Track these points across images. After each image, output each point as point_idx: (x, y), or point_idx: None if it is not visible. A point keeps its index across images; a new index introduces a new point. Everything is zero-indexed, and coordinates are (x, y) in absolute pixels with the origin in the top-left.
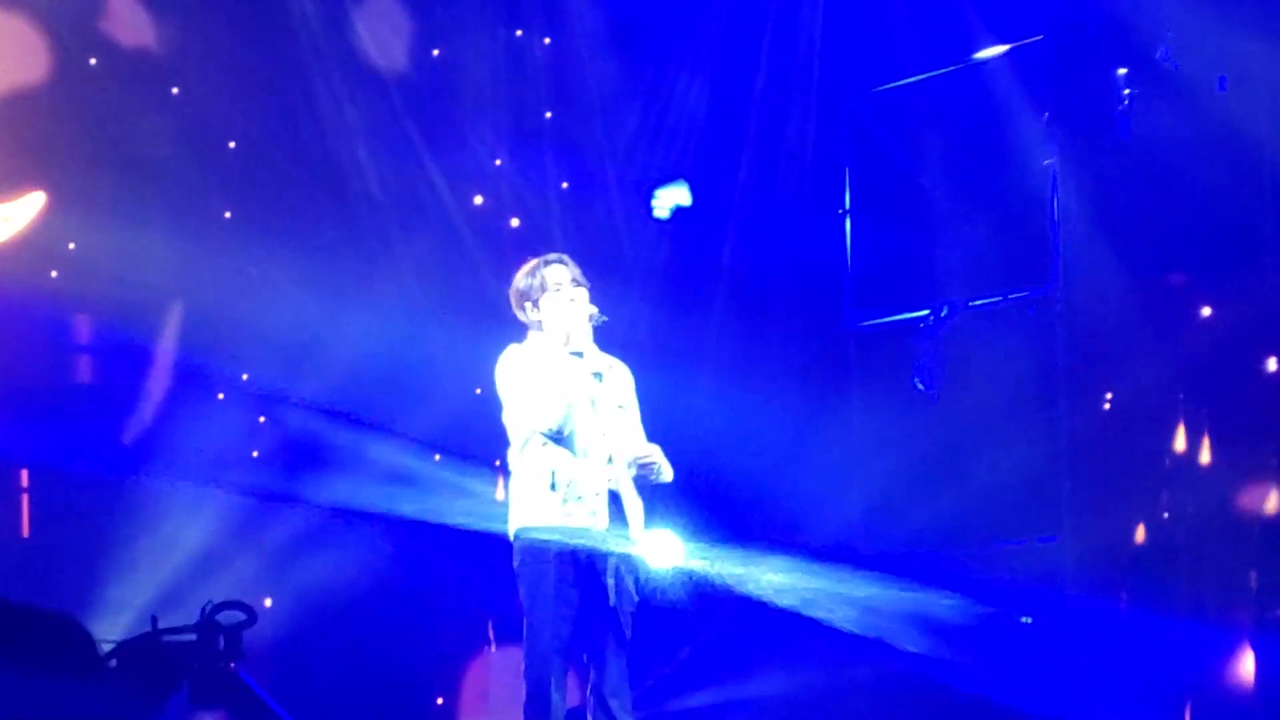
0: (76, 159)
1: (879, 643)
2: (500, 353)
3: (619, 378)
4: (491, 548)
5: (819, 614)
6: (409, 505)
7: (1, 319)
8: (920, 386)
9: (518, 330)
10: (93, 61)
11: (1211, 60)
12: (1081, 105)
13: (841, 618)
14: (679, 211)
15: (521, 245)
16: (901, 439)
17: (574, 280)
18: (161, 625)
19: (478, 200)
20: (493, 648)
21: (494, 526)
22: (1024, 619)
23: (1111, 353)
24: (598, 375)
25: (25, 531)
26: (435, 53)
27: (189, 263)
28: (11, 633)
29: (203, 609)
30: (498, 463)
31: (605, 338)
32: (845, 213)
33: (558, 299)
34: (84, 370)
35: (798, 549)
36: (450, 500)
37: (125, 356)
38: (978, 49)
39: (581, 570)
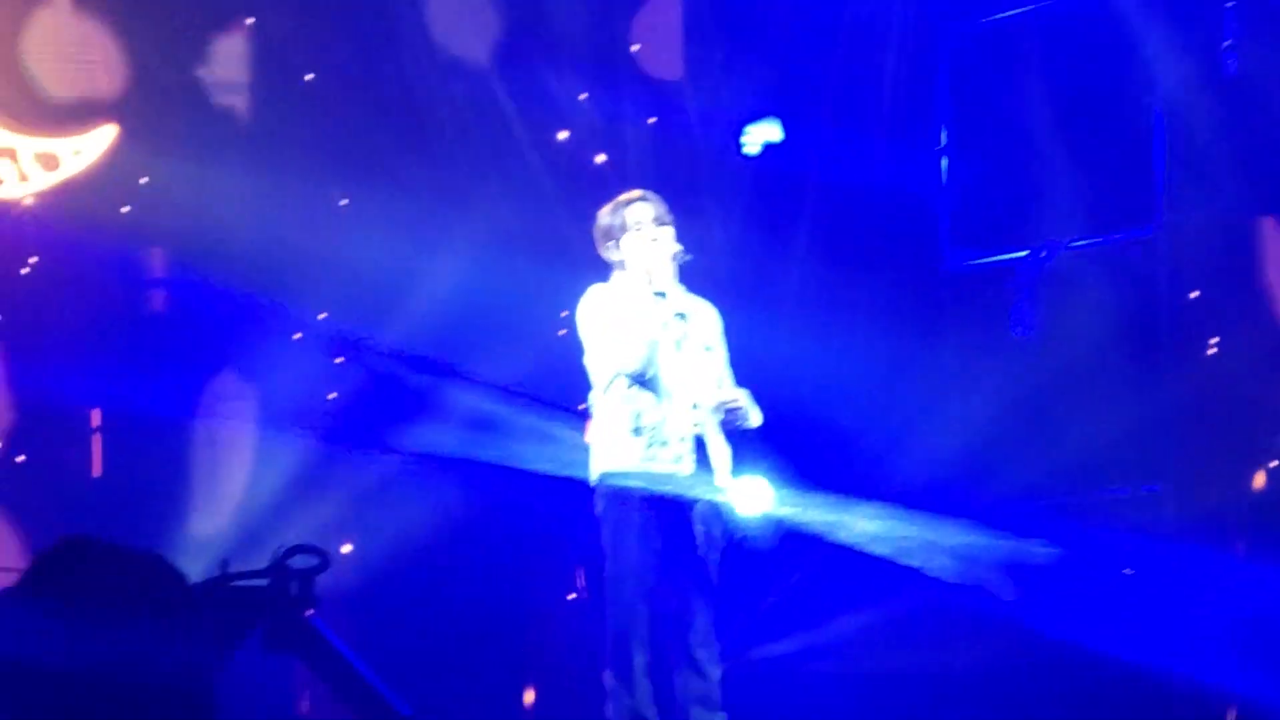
0: (149, 92)
1: (975, 591)
2: (583, 293)
3: (705, 319)
4: (577, 494)
5: (913, 562)
6: (490, 450)
7: (72, 255)
8: (1018, 329)
9: (602, 270)
10: None
11: None
12: (1187, 42)
13: (937, 566)
14: (769, 148)
15: (606, 182)
16: (997, 383)
17: (656, 219)
18: (232, 569)
19: (562, 136)
20: (578, 595)
21: (578, 473)
22: (1126, 570)
23: (1217, 295)
24: (681, 316)
25: (97, 471)
26: None
27: (262, 198)
28: (92, 571)
29: (274, 553)
30: (582, 406)
31: (692, 278)
32: (942, 150)
33: (640, 238)
34: (156, 308)
35: (889, 496)
36: (534, 445)
37: (198, 294)
38: None
39: (666, 517)
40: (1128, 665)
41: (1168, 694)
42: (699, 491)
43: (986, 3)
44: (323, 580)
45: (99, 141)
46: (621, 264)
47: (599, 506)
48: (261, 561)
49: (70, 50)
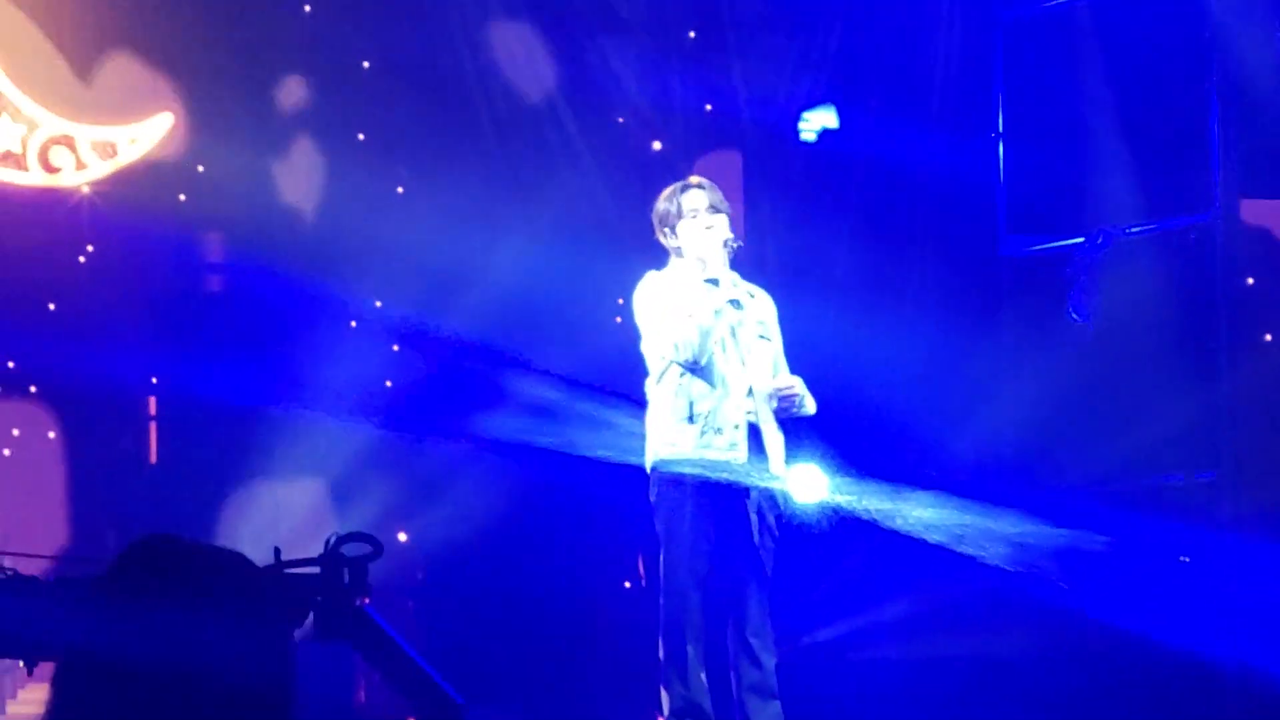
0: (206, 80)
1: (1029, 579)
2: (639, 280)
3: (761, 307)
4: (633, 481)
5: (967, 550)
6: (547, 438)
7: (129, 243)
8: (1075, 316)
9: (658, 257)
10: None
11: None
12: (1244, 26)
13: (991, 554)
14: (825, 134)
15: (664, 168)
16: (1053, 370)
17: (711, 206)
18: (286, 557)
19: (619, 121)
20: (639, 583)
21: (635, 460)
22: (1181, 558)
23: (1274, 283)
24: (735, 303)
25: (153, 458)
26: None
27: (319, 186)
28: (176, 568)
29: (327, 541)
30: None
31: (747, 265)
32: (998, 136)
33: (694, 225)
34: (212, 297)
35: (943, 483)
36: (590, 432)
37: (254, 282)
38: None
39: (720, 504)
40: (1181, 653)
41: (1221, 682)
42: (753, 479)
43: None
44: (376, 568)
45: (156, 129)
46: (678, 250)
47: (653, 494)
48: (315, 550)
49: (127, 38)
